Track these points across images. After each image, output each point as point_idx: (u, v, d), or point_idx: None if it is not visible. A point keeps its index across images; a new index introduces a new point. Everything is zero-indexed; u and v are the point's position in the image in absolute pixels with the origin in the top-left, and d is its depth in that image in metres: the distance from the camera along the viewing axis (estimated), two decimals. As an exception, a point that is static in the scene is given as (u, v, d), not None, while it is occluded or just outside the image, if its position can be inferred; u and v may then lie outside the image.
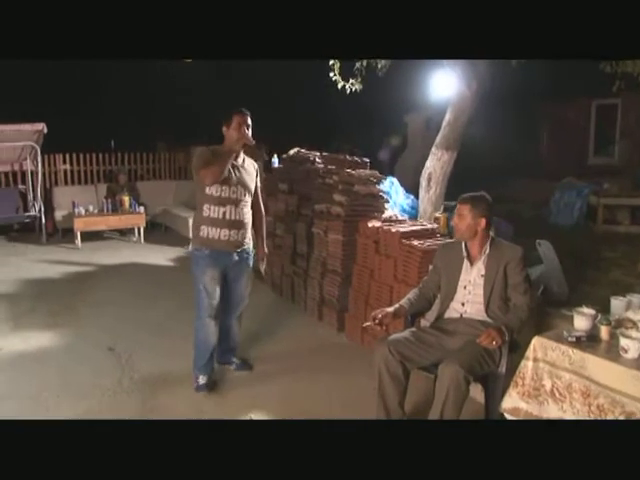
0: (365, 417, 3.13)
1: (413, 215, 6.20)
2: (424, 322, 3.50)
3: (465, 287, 3.10)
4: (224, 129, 3.58)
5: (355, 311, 4.62)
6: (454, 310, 3.15)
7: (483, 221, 3.03)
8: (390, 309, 3.12)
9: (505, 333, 2.80)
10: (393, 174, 7.51)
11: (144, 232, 8.83)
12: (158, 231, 9.49)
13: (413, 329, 3.16)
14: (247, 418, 3.37)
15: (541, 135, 11.99)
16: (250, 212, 3.74)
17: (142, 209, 8.84)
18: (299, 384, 3.84)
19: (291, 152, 5.91)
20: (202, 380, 3.70)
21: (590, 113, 11.41)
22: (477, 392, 3.18)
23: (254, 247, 3.86)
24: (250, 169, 3.73)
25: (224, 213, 3.56)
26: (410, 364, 2.95)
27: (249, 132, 3.55)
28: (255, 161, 3.87)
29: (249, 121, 3.56)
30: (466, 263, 3.11)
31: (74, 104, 11.65)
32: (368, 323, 3.09)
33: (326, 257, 4.97)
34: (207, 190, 3.52)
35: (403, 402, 3.01)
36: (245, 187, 3.64)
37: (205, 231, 3.58)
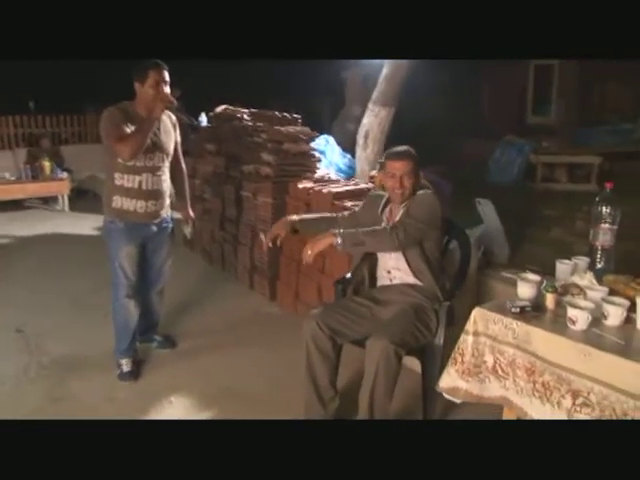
0: (292, 394, 2.86)
1: (350, 175, 5.90)
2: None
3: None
4: (136, 85, 3.05)
5: (287, 279, 4.32)
6: (383, 277, 2.86)
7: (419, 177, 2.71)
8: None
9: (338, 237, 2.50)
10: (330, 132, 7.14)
11: (70, 200, 8.26)
12: (86, 198, 8.81)
13: (344, 300, 2.87)
14: (167, 402, 3.05)
15: (482, 95, 11.91)
16: (168, 176, 3.31)
17: (65, 175, 8.27)
18: (225, 360, 3.54)
19: (218, 109, 5.47)
20: (126, 367, 3.32)
21: (528, 73, 11.41)
22: (416, 364, 2.93)
23: (176, 209, 3.48)
24: (168, 127, 3.25)
25: (140, 182, 3.11)
26: (340, 338, 2.65)
27: (167, 89, 3.04)
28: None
29: (167, 76, 3.04)
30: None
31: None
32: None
33: (256, 221, 4.62)
34: (119, 157, 3.05)
35: (335, 380, 2.72)
36: (164, 151, 3.19)
37: (118, 202, 3.13)
